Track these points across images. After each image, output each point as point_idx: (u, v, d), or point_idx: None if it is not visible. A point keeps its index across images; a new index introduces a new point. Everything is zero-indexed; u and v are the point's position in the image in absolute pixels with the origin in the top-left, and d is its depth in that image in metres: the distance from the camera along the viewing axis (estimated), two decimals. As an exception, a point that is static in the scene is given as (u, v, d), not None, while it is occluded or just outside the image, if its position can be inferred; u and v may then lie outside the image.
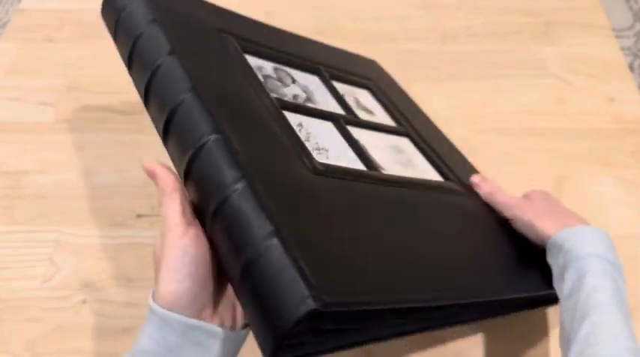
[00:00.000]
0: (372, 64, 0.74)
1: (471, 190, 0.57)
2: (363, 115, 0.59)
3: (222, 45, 0.50)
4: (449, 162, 0.60)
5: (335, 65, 0.65)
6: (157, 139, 0.69)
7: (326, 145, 0.48)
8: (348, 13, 0.85)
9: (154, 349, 0.35)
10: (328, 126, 0.52)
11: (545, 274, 0.49)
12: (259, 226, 0.33)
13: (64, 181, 0.65)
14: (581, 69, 0.78)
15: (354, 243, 0.37)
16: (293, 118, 0.49)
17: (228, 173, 0.35)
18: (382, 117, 0.62)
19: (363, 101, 0.62)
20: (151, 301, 0.36)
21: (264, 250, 0.32)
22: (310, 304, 0.29)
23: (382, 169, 0.51)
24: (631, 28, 1.58)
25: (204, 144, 0.37)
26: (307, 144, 0.46)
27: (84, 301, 0.56)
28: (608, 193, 0.66)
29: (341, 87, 0.61)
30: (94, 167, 0.66)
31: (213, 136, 0.37)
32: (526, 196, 0.54)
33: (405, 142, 0.60)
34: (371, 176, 0.48)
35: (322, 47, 0.68)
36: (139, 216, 0.62)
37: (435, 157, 0.59)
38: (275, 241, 0.32)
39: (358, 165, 0.49)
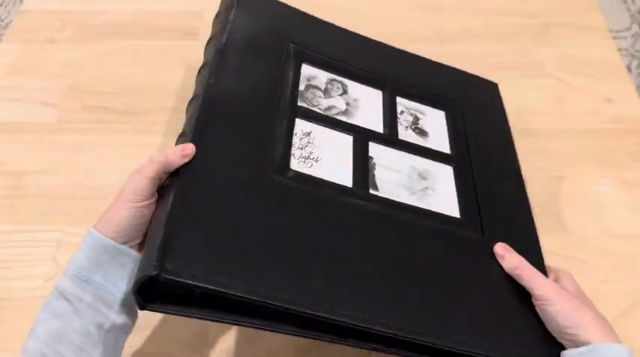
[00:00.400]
0: (483, 87, 0.70)
1: (484, 236, 0.53)
2: (409, 135, 0.59)
3: (279, 54, 0.59)
4: (488, 207, 0.56)
5: (416, 82, 0.65)
6: (157, 140, 0.69)
7: (321, 156, 0.53)
8: (347, 14, 0.85)
9: (88, 264, 0.43)
10: (346, 139, 0.56)
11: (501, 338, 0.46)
12: (167, 206, 0.43)
13: (65, 181, 0.66)
14: (580, 70, 0.79)
15: (247, 237, 0.44)
16: (303, 125, 0.54)
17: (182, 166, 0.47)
18: (438, 141, 0.60)
19: (424, 122, 0.61)
20: (92, 229, 0.44)
21: (159, 220, 0.43)
22: (149, 271, 0.39)
23: (375, 189, 0.53)
24: (628, 29, 1.58)
25: (182, 134, 0.50)
26: (297, 151, 0.52)
27: (86, 300, 0.56)
28: (607, 193, 0.66)
29: (406, 104, 0.62)
30: (96, 167, 0.67)
31: (189, 129, 0.49)
32: (553, 275, 0.50)
33: (442, 171, 0.58)
34: (342, 191, 0.51)
35: (419, 63, 0.68)
36: (141, 215, 0.62)
37: (472, 195, 0.56)
38: (165, 218, 0.42)
39: (344, 180, 0.52)
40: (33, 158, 0.68)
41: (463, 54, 0.80)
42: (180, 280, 0.39)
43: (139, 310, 0.42)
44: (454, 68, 0.70)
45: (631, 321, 0.57)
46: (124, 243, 0.44)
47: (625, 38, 1.56)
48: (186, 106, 0.54)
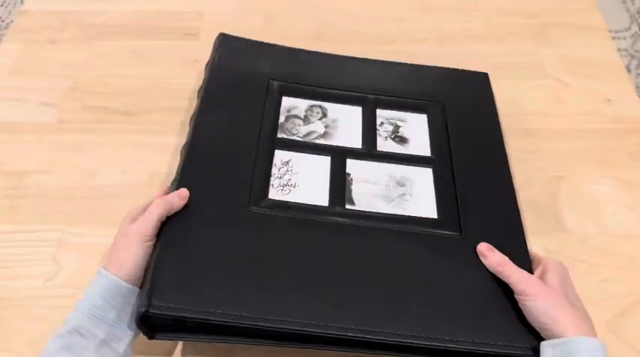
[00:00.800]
0: (471, 81, 0.71)
1: (466, 234, 0.55)
2: (388, 145, 0.63)
3: (261, 93, 0.64)
4: (468, 205, 0.57)
5: (397, 90, 0.68)
6: (157, 140, 0.70)
7: (299, 181, 0.58)
8: (347, 15, 0.86)
9: (103, 304, 0.47)
10: (323, 161, 0.60)
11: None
12: (157, 248, 0.50)
13: (66, 181, 0.66)
14: (579, 70, 0.79)
15: (227, 268, 0.49)
16: (283, 155, 0.60)
17: None
18: (418, 146, 0.63)
19: (404, 129, 0.64)
20: (104, 270, 0.48)
21: (151, 261, 0.49)
22: (142, 309, 0.46)
23: (352, 204, 0.57)
24: (628, 29, 1.58)
25: (174, 179, 0.56)
26: (276, 180, 0.57)
27: (86, 300, 0.56)
28: (606, 193, 0.66)
29: (386, 114, 0.66)
30: (96, 167, 0.67)
31: (178, 174, 0.56)
32: (542, 267, 0.51)
33: (421, 175, 0.60)
34: (317, 211, 0.55)
35: (401, 70, 0.71)
36: (141, 215, 0.62)
37: (451, 195, 0.58)
38: (154, 259, 0.49)
39: (321, 200, 0.56)
40: (33, 158, 0.68)
41: (463, 54, 0.80)
42: (166, 313, 0.46)
43: None
44: (439, 67, 0.71)
45: (631, 321, 0.57)
46: (133, 283, 0.49)
47: (624, 38, 1.56)
48: (181, 148, 0.60)
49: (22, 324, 0.55)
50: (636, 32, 1.57)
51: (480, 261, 0.52)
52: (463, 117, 0.66)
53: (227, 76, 0.66)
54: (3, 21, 1.61)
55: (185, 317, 0.46)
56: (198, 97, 0.65)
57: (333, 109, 0.66)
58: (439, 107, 0.66)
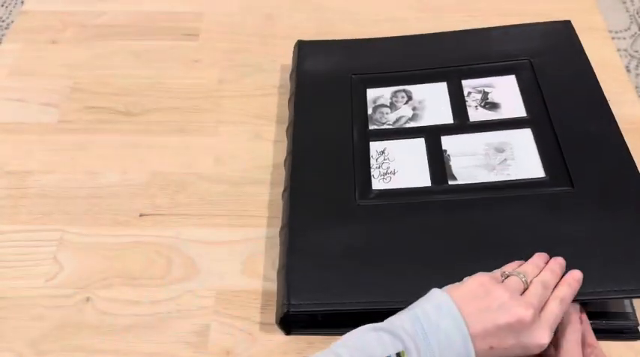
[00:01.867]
0: (554, 31, 0.71)
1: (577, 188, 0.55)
2: (480, 114, 0.63)
3: (344, 89, 0.66)
4: (576, 157, 0.57)
5: (479, 57, 0.68)
6: (158, 140, 0.70)
7: (397, 168, 0.59)
8: (347, 15, 0.86)
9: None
10: (418, 143, 0.61)
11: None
12: (285, 250, 0.55)
13: (67, 181, 0.66)
14: (579, 70, 0.79)
15: (346, 262, 0.53)
16: (377, 146, 0.61)
17: (284, 213, 0.58)
18: (512, 108, 0.63)
19: (494, 94, 0.64)
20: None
21: (282, 266, 0.54)
22: (283, 309, 0.51)
23: (453, 179, 0.58)
24: (627, 29, 1.59)
25: (284, 190, 0.59)
26: (376, 171, 0.59)
27: (87, 300, 0.57)
28: (605, 192, 0.66)
29: (472, 83, 0.66)
30: (97, 167, 0.67)
31: (285, 184, 0.59)
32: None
33: (520, 137, 0.60)
34: (421, 192, 0.57)
35: (479, 36, 0.70)
36: (142, 215, 0.63)
37: (555, 150, 0.58)
38: (285, 265, 0.53)
39: (423, 181, 0.58)
40: (34, 158, 0.68)
41: (462, 54, 0.80)
42: (304, 310, 0.50)
43: None
44: (518, 25, 0.71)
45: (629, 320, 0.57)
46: None
47: (624, 39, 1.56)
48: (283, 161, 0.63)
49: (22, 324, 0.56)
50: (636, 32, 1.58)
51: (597, 212, 0.52)
52: (553, 69, 0.65)
53: (311, 81, 0.67)
54: (3, 21, 1.61)
55: (321, 311, 0.51)
56: (289, 106, 0.66)
57: (417, 90, 0.66)
58: (527, 65, 0.66)
